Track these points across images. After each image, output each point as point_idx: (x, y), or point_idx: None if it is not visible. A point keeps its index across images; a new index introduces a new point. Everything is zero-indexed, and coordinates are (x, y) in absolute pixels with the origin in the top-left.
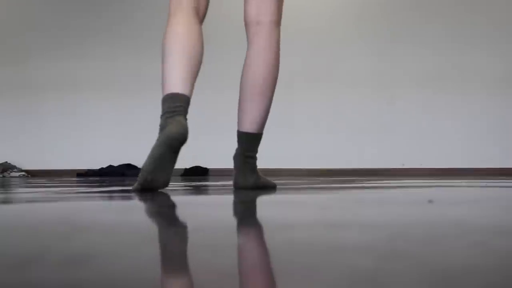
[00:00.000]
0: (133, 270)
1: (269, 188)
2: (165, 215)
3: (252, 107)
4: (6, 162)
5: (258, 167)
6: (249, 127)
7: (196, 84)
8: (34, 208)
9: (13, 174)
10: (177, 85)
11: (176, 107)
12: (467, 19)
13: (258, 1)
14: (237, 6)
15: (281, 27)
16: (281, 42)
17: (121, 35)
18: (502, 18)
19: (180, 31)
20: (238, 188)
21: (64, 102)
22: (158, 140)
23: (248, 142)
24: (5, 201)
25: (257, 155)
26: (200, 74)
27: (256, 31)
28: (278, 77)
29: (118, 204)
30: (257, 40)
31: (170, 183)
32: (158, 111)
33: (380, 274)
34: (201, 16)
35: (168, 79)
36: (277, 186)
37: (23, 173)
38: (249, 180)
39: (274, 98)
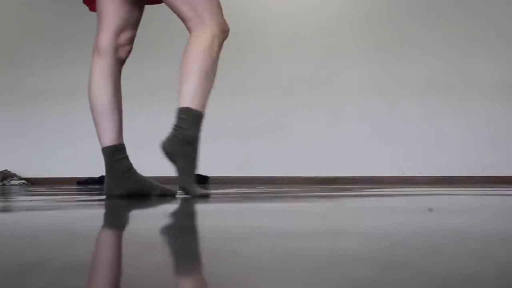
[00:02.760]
0: (135, 277)
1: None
2: (170, 223)
3: None
4: (6, 170)
5: (259, 175)
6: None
7: None
8: (34, 217)
9: (13, 182)
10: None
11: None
12: (469, 27)
13: None
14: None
15: (283, 34)
16: (281, 50)
17: None
18: (503, 26)
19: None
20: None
21: (64, 109)
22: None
23: None
24: (6, 210)
25: (257, 162)
26: None
27: None
28: (279, 84)
29: (117, 212)
30: None
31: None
32: (158, 118)
33: (381, 283)
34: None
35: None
36: (277, 195)
37: (23, 181)
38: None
39: (274, 104)
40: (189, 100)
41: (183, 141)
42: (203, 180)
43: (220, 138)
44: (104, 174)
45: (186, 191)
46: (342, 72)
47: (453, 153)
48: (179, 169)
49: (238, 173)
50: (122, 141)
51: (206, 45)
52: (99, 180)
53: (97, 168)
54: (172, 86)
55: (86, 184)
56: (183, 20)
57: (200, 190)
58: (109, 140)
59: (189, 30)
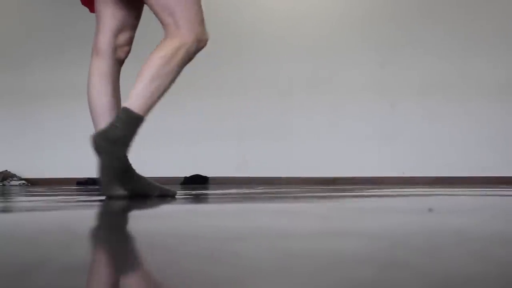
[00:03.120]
0: (135, 277)
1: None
2: (167, 224)
3: None
4: (6, 170)
5: (259, 175)
6: None
7: (195, 92)
8: (34, 217)
9: (13, 182)
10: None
11: None
12: (469, 27)
13: None
14: (232, 16)
15: (283, 35)
16: (281, 50)
17: None
18: (503, 26)
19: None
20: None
21: (64, 109)
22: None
23: None
24: (6, 210)
25: (257, 163)
26: (200, 82)
27: None
28: (278, 84)
29: (117, 213)
30: None
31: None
32: (158, 118)
33: (381, 284)
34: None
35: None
36: (277, 195)
37: (23, 181)
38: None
39: (274, 104)
40: (131, 102)
41: (112, 139)
42: (202, 181)
43: (219, 139)
44: None
45: (103, 189)
46: (342, 72)
47: (453, 154)
48: (101, 165)
49: (237, 174)
50: None
51: (167, 53)
52: (99, 181)
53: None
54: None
55: (86, 184)
56: (162, 24)
57: (117, 191)
58: None
59: (165, 35)
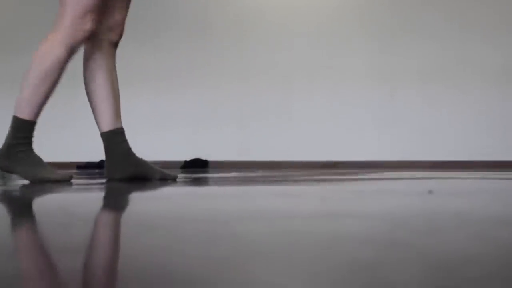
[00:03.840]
0: (134, 258)
1: None
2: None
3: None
4: None
5: (259, 160)
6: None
7: (195, 78)
8: (33, 199)
9: None
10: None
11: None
12: (469, 12)
13: None
14: (234, 2)
15: (284, 21)
16: (281, 35)
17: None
18: (503, 11)
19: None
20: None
21: (63, 94)
22: None
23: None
24: (5, 193)
25: (257, 147)
26: (199, 67)
27: None
28: (279, 70)
29: (116, 196)
30: None
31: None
32: (158, 103)
33: (380, 263)
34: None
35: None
36: (277, 179)
37: None
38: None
39: (274, 90)
40: (15, 108)
41: (5, 147)
42: (203, 165)
43: (220, 123)
44: (103, 158)
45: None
46: (341, 59)
47: (452, 138)
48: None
49: (238, 158)
50: (121, 125)
51: (41, 51)
52: (98, 165)
53: (96, 152)
54: (172, 70)
55: (85, 168)
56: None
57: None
58: (107, 125)
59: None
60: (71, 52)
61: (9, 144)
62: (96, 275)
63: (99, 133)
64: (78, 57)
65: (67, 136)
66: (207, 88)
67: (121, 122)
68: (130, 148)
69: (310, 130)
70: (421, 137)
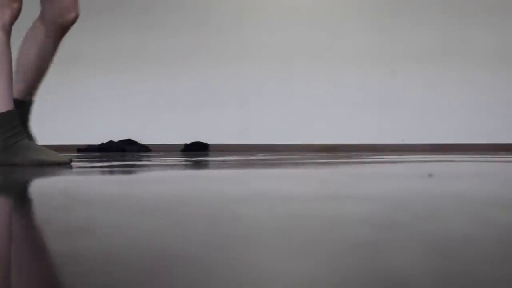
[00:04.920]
0: (133, 240)
1: None
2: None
3: None
4: None
5: (259, 142)
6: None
7: (196, 60)
8: (34, 182)
9: None
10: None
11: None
12: None
13: None
14: None
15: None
16: (281, 16)
17: (122, 10)
18: None
19: None
20: None
21: (64, 77)
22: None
23: None
24: (6, 175)
25: (258, 130)
26: (199, 49)
27: None
28: (278, 51)
29: (117, 178)
30: None
31: (173, 158)
32: (158, 86)
33: (380, 244)
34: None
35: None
36: (278, 161)
37: None
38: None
39: (274, 72)
40: None
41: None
42: (203, 148)
43: (220, 106)
44: (104, 141)
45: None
46: (341, 40)
47: (453, 121)
48: None
49: (238, 141)
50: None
51: None
52: (99, 148)
53: (97, 135)
54: (171, 53)
55: (86, 151)
56: None
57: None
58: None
59: None
60: (6, 33)
61: (1, 140)
62: (95, 259)
63: (99, 116)
64: (77, 39)
65: (68, 119)
66: (207, 71)
67: (12, 103)
68: (22, 136)
69: (311, 112)
70: (421, 119)
